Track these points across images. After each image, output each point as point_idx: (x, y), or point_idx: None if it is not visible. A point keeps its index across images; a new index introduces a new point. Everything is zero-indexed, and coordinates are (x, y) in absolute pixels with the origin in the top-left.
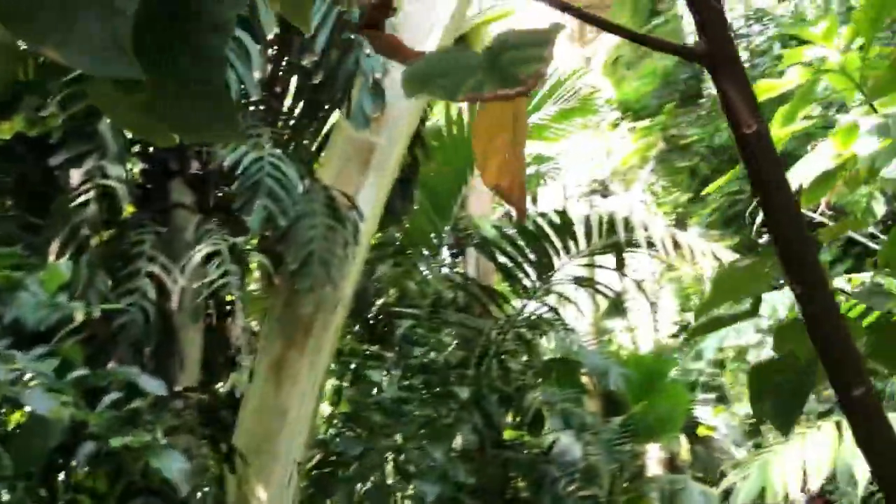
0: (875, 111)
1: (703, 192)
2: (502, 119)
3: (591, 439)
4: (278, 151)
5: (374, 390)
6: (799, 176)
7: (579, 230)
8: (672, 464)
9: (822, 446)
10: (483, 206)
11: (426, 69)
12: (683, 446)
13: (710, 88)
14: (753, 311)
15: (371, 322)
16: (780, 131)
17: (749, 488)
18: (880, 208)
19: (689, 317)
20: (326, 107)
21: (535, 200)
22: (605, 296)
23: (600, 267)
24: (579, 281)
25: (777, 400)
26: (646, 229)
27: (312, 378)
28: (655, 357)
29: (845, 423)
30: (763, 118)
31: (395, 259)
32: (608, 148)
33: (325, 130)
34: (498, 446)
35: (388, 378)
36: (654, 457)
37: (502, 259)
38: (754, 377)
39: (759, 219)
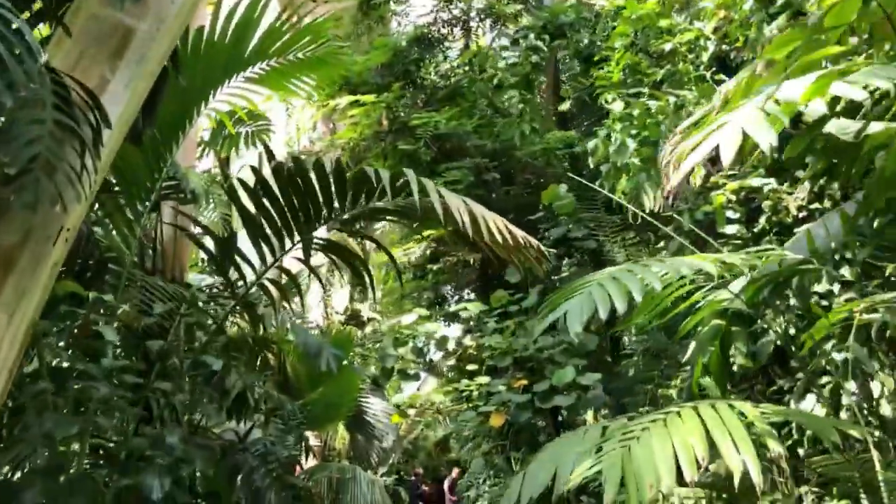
0: None
1: None
2: None
3: (274, 425)
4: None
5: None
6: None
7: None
8: (323, 452)
9: (693, 432)
10: (187, 157)
11: None
12: (339, 433)
13: (431, 76)
14: None
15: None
16: None
17: (612, 481)
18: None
19: (360, 306)
20: None
21: (228, 162)
22: (355, 268)
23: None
24: (330, 248)
25: None
26: (441, 196)
27: (11, 332)
28: (337, 342)
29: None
30: None
31: (99, 197)
32: (302, 120)
33: None
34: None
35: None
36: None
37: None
38: None
39: None
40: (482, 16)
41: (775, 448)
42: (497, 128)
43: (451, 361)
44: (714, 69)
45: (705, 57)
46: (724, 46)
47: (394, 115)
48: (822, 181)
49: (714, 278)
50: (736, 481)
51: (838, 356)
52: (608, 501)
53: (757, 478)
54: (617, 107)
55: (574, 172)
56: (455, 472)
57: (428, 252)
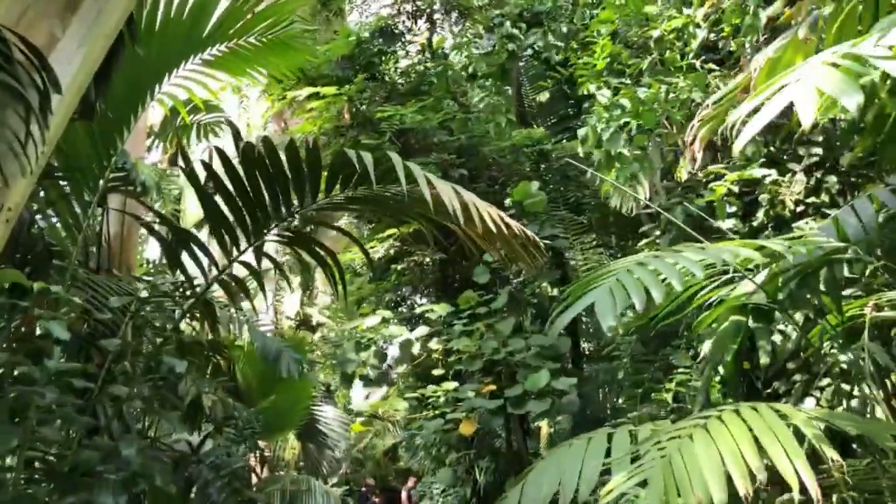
0: None
1: None
2: None
3: (226, 434)
4: None
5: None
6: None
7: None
8: (272, 462)
9: (742, 439)
10: (136, 148)
11: None
12: (289, 443)
13: (389, 71)
14: None
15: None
16: None
17: (656, 495)
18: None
19: (311, 310)
20: None
21: (185, 159)
22: (325, 263)
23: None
24: (298, 241)
25: None
26: (430, 184)
27: None
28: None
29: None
30: None
31: (41, 182)
32: (253, 118)
33: None
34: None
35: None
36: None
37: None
38: None
39: None
40: (447, 7)
41: (832, 456)
42: (470, 122)
43: (402, 368)
44: (703, 58)
45: (694, 45)
46: (711, 35)
47: (356, 109)
48: (818, 174)
49: (759, 266)
50: (796, 496)
51: (843, 356)
52: None
53: (814, 491)
54: (605, 94)
55: (539, 171)
56: (412, 480)
57: (392, 251)
